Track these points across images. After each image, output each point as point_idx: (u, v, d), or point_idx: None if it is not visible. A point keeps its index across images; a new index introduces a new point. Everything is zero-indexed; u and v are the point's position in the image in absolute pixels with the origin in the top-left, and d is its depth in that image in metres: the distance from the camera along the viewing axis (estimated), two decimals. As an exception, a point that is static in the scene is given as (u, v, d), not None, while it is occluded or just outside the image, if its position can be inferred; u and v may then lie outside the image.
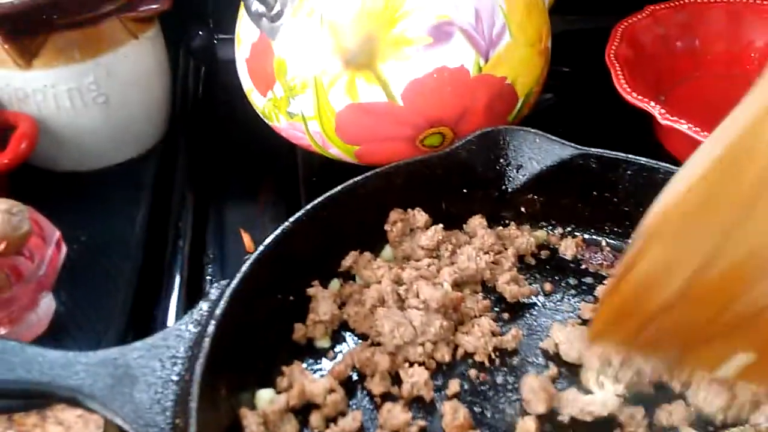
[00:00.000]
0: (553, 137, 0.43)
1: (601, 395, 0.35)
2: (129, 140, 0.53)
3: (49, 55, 0.48)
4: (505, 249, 0.43)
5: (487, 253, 0.42)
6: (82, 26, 0.47)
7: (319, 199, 0.41)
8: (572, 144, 0.43)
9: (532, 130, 0.44)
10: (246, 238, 0.50)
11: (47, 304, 0.44)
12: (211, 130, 0.59)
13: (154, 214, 0.50)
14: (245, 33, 0.49)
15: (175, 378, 0.31)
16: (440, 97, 0.45)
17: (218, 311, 0.34)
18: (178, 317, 0.44)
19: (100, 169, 0.53)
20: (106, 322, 0.43)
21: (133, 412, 0.29)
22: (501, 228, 0.45)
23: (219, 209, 0.52)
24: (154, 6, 0.51)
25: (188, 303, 0.45)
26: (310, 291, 0.39)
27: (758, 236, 0.28)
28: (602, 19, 0.59)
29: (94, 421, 0.39)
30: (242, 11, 0.50)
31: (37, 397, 0.31)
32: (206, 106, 0.62)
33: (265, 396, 0.35)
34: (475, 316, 0.40)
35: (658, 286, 0.29)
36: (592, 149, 0.43)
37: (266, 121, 0.51)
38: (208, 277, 0.47)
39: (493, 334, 0.39)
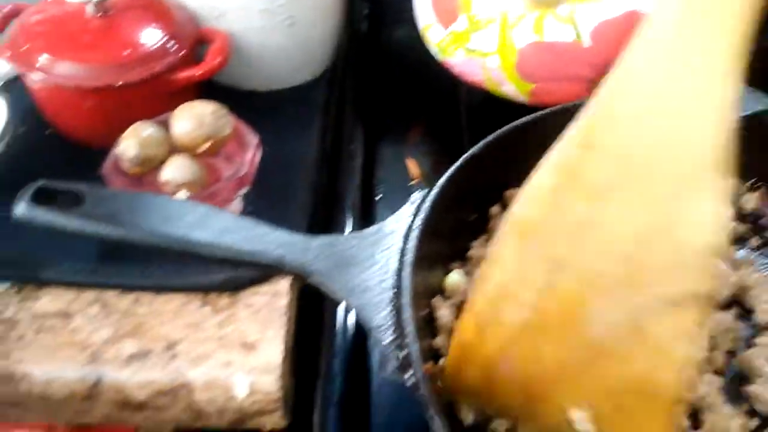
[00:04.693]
0: (751, 88, 0.43)
1: None
2: (305, 64, 0.57)
3: (248, -24, 0.51)
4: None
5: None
6: (281, -50, 0.51)
7: (505, 128, 0.42)
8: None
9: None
10: (412, 166, 0.52)
11: (236, 204, 0.48)
12: (375, 63, 0.62)
13: (326, 135, 0.53)
14: (432, -33, 0.51)
15: (389, 265, 0.34)
16: (627, 41, 0.45)
17: (421, 212, 0.36)
18: (353, 228, 0.48)
19: (277, 90, 0.56)
20: (287, 225, 0.47)
21: (355, 291, 0.32)
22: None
23: (385, 138, 0.55)
24: (343, -64, 0.53)
25: (362, 218, 0.48)
26: (493, 210, 0.41)
27: (595, 255, 0.27)
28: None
29: (279, 308, 0.43)
30: (428, -54, 0.51)
31: (266, 267, 0.35)
32: (371, 40, 0.65)
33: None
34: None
35: (503, 306, 0.28)
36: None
37: (440, 56, 0.52)
38: (378, 197, 0.50)
39: None
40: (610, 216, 0.28)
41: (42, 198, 0.32)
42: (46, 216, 0.32)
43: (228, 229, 0.33)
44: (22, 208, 0.32)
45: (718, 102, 0.27)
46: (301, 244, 0.34)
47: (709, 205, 0.27)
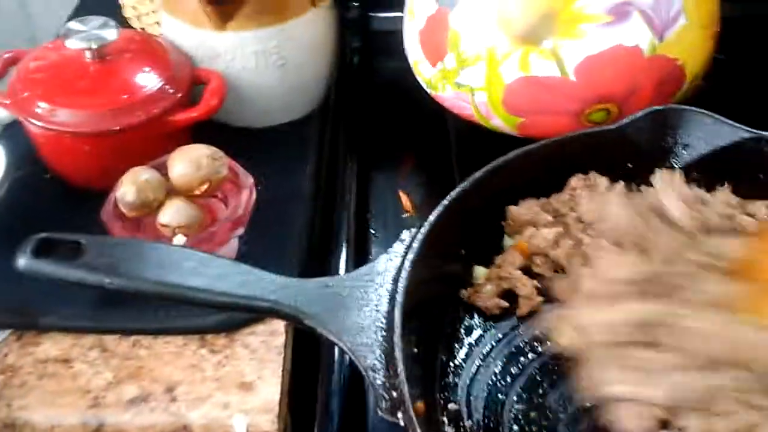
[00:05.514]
0: (726, 120, 0.44)
1: None
2: (298, 101, 0.58)
3: (241, 20, 0.52)
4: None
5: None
6: (273, -6, 0.52)
7: (492, 164, 0.43)
8: (744, 127, 0.44)
9: (704, 111, 0.45)
10: (404, 199, 0.53)
11: (232, 244, 0.49)
12: (366, 96, 0.63)
13: (320, 170, 0.54)
14: (420, 6, 0.52)
15: (381, 305, 0.34)
16: (613, 75, 0.46)
17: (410, 253, 0.37)
18: (348, 264, 0.48)
19: (270, 126, 0.57)
20: (284, 263, 0.47)
21: (349, 332, 0.33)
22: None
23: (377, 170, 0.56)
24: (334, -22, 0.55)
25: (357, 252, 0.49)
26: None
27: None
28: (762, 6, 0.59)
29: (276, 348, 0.43)
30: (416, -15, 0.53)
31: (261, 313, 0.36)
32: (362, 73, 0.66)
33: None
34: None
35: None
36: (766, 133, 0.43)
37: (430, 91, 0.54)
38: (372, 230, 0.51)
39: None
40: None
41: (43, 249, 0.33)
42: (48, 268, 0.32)
43: (223, 275, 0.33)
44: (23, 261, 0.33)
45: None
46: (295, 287, 0.34)
47: None
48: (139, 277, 0.32)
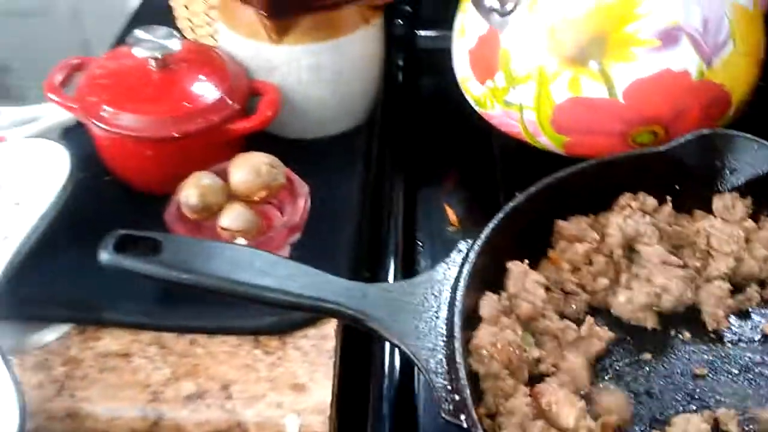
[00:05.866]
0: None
1: None
2: (347, 114, 0.59)
3: (298, 34, 0.54)
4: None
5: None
6: (330, 10, 0.54)
7: (545, 180, 0.44)
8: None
9: (751, 137, 0.46)
10: (450, 213, 0.55)
11: (285, 250, 0.50)
12: (411, 112, 0.65)
13: (367, 182, 0.56)
14: (471, 25, 0.54)
15: (441, 311, 0.35)
16: (660, 99, 0.47)
17: (467, 263, 0.38)
18: (395, 274, 0.50)
19: (321, 138, 0.59)
20: (333, 270, 0.49)
21: (411, 336, 0.34)
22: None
23: (423, 184, 0.58)
24: (386, -3, 0.57)
25: (404, 262, 0.50)
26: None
27: None
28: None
29: (327, 351, 0.44)
30: (467, 6, 0.54)
31: (326, 314, 0.37)
32: (407, 89, 0.68)
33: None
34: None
35: None
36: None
37: (478, 108, 0.55)
38: (418, 242, 0.52)
39: None
40: None
41: (123, 245, 0.34)
42: (127, 263, 0.34)
43: (291, 276, 0.35)
44: (106, 256, 0.34)
45: None
46: (358, 291, 0.35)
47: None
48: (212, 274, 0.34)
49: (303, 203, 0.47)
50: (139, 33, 0.51)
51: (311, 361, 0.43)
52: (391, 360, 0.44)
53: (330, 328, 0.45)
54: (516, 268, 0.41)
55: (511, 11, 0.50)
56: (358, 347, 0.46)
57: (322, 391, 0.42)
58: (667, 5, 0.46)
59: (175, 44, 0.51)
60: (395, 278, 0.49)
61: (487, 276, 0.40)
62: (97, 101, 0.50)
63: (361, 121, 0.61)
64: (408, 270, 0.50)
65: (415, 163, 0.60)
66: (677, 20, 0.47)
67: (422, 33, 0.72)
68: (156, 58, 0.51)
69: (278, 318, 0.45)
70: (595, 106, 0.48)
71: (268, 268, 0.35)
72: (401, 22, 0.71)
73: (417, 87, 0.68)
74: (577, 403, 0.33)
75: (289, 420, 0.41)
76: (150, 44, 0.51)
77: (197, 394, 0.41)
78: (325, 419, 0.40)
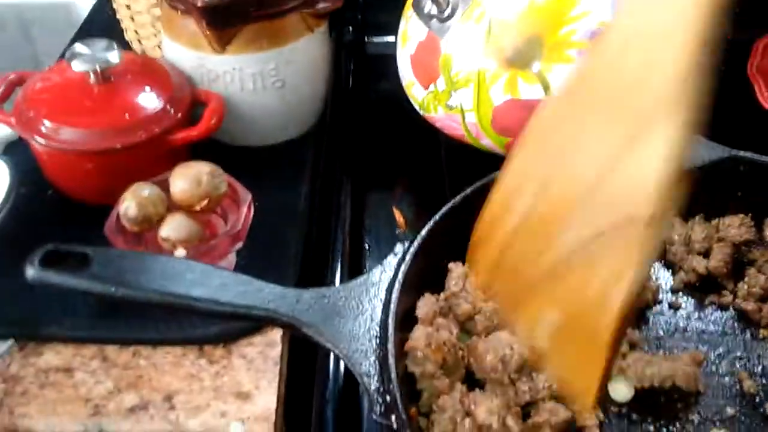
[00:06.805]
0: (704, 139, 0.46)
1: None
2: (294, 121, 0.60)
3: (240, 43, 0.54)
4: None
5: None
6: (271, 19, 0.54)
7: (482, 181, 0.45)
8: (721, 145, 0.46)
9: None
10: (398, 215, 0.55)
11: (230, 258, 0.50)
12: (361, 116, 0.65)
13: (315, 188, 0.56)
14: (412, 32, 0.54)
15: (375, 314, 0.36)
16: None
17: (403, 265, 0.38)
18: (342, 277, 0.50)
19: (267, 145, 0.59)
20: (280, 275, 0.49)
21: (345, 340, 0.34)
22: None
23: (372, 188, 0.58)
24: (329, 4, 0.57)
25: (352, 266, 0.51)
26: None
27: (577, 169, 0.32)
28: (740, 32, 0.62)
29: (272, 358, 0.44)
30: (409, 13, 0.55)
31: (260, 321, 0.37)
32: (356, 95, 0.68)
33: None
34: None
35: (509, 208, 0.36)
36: (742, 152, 0.46)
37: (422, 112, 0.56)
38: (366, 245, 0.53)
39: None
40: (584, 141, 0.33)
41: (51, 260, 0.34)
42: (55, 278, 0.34)
43: (224, 285, 0.35)
44: (32, 272, 0.34)
45: (679, 41, 0.30)
46: (293, 297, 0.36)
47: (663, 136, 0.30)
48: (143, 287, 0.34)
49: (245, 211, 0.47)
50: (78, 47, 0.51)
51: (256, 368, 0.43)
52: (336, 364, 0.45)
53: (276, 334, 0.45)
54: (457, 268, 0.42)
55: (450, 17, 0.51)
56: (306, 352, 0.46)
57: (267, 397, 0.42)
58: (597, 7, 0.47)
59: (114, 57, 0.51)
60: (342, 282, 0.50)
61: (427, 277, 0.41)
62: (35, 116, 0.50)
63: (309, 127, 0.61)
64: (356, 274, 0.51)
65: (364, 168, 0.60)
66: (605, 21, 0.48)
67: (372, 39, 0.73)
68: (95, 72, 0.50)
69: (223, 327, 0.45)
70: (532, 107, 0.49)
71: (201, 279, 0.35)
72: (351, 29, 0.72)
73: (367, 92, 0.69)
74: (494, 399, 0.34)
75: (234, 428, 0.41)
76: (89, 58, 0.50)
77: (140, 405, 0.41)
78: (270, 426, 0.41)
